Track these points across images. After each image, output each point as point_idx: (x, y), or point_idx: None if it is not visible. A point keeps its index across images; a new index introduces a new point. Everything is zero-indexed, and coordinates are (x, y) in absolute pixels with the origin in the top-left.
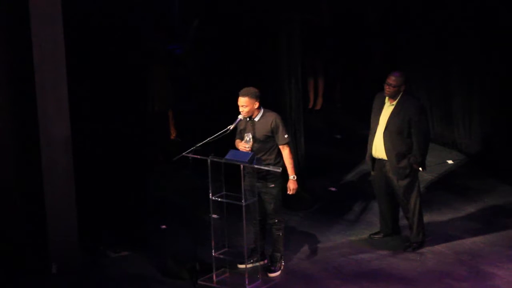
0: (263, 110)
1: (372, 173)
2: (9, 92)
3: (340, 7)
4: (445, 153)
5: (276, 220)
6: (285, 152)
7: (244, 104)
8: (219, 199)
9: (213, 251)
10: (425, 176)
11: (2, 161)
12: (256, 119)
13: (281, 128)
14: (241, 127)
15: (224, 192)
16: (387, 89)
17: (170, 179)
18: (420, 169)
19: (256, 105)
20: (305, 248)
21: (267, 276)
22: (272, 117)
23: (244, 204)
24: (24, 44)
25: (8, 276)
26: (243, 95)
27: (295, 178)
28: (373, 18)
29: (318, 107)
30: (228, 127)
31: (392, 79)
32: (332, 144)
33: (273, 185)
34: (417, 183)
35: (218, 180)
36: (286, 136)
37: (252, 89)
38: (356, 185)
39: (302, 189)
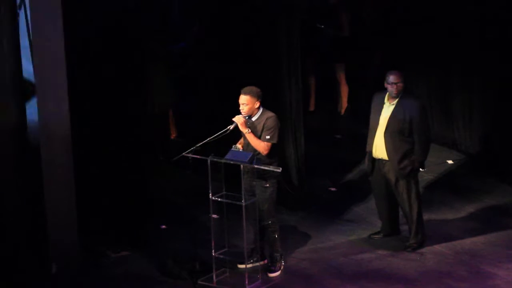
0: (262, 110)
1: (370, 177)
2: (9, 92)
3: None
4: (445, 153)
5: (270, 222)
6: (265, 144)
7: (245, 102)
8: (219, 199)
9: (213, 251)
10: (425, 176)
11: (2, 161)
12: (254, 118)
13: (270, 128)
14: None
15: (224, 192)
16: (395, 88)
17: (170, 179)
18: (420, 168)
19: (257, 104)
20: (305, 248)
21: (267, 276)
22: (268, 117)
23: (244, 204)
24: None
25: (8, 276)
26: (245, 93)
27: (248, 131)
28: (373, 17)
29: (311, 108)
30: (228, 127)
31: (395, 78)
32: (332, 144)
33: (267, 185)
34: (417, 183)
35: (218, 180)
36: (268, 137)
37: (254, 89)
38: (356, 185)
39: (301, 189)
